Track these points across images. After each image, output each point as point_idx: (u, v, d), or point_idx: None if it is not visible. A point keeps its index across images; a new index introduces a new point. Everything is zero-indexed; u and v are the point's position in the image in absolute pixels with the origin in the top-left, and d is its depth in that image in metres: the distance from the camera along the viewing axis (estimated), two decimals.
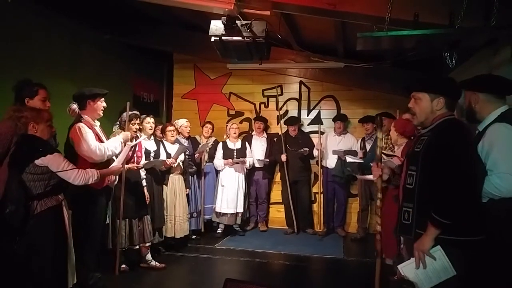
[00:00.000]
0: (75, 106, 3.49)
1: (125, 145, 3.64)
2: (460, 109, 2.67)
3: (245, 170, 5.78)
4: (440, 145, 2.04)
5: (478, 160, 2.14)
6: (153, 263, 4.26)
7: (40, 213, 2.59)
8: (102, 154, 3.30)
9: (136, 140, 4.07)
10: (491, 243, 2.03)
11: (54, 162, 2.62)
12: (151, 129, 4.50)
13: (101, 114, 3.53)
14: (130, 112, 4.01)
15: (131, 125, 4.01)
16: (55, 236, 2.66)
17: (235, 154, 5.65)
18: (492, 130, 2.19)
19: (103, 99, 3.50)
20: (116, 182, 3.60)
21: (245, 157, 5.68)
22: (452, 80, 2.34)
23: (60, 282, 2.73)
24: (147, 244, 4.21)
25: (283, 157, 5.76)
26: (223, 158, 5.63)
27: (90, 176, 2.83)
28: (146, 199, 4.23)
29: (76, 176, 2.73)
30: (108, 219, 3.95)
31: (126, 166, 3.90)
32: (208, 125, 5.80)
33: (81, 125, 3.31)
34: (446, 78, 2.64)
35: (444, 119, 2.14)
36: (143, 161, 4.24)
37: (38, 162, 2.57)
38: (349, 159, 5.28)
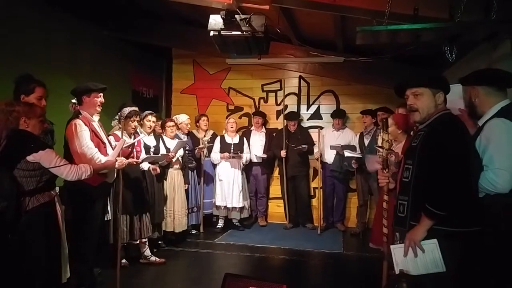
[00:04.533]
0: (74, 101, 3.47)
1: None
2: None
3: (241, 165, 5.79)
4: (436, 139, 2.07)
5: (476, 155, 2.15)
6: (153, 258, 4.28)
7: (32, 209, 2.57)
8: (91, 159, 3.20)
9: (135, 138, 4.04)
10: (486, 238, 2.05)
11: (46, 158, 2.59)
12: (150, 128, 4.50)
13: (98, 110, 3.45)
14: (129, 109, 4.00)
15: (130, 122, 3.99)
16: (47, 232, 2.64)
17: (232, 148, 5.65)
18: (490, 126, 2.19)
19: (101, 94, 3.42)
20: (115, 177, 3.58)
21: (242, 152, 5.68)
22: (443, 76, 2.37)
23: (54, 278, 2.71)
24: (143, 240, 4.22)
25: (283, 153, 5.76)
26: (220, 152, 5.63)
27: (83, 171, 2.79)
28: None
29: (69, 172, 2.70)
30: (108, 215, 3.95)
31: (126, 161, 3.88)
32: (204, 118, 5.80)
33: (78, 121, 3.25)
34: (438, 74, 2.67)
35: (440, 113, 2.18)
36: (143, 155, 4.23)
37: (29, 158, 2.54)
38: (347, 154, 5.29)
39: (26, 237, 2.56)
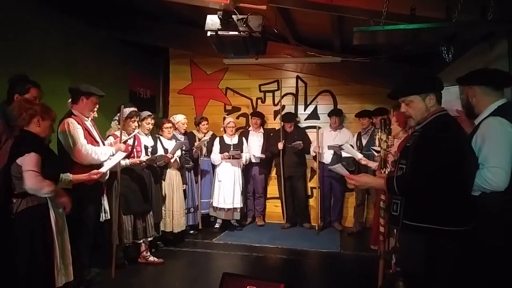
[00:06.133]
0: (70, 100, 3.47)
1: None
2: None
3: (242, 165, 5.79)
4: (427, 139, 2.10)
5: (472, 154, 2.16)
6: (151, 258, 4.27)
7: (20, 212, 2.57)
8: (87, 155, 3.22)
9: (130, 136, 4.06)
10: (483, 236, 2.07)
11: (26, 161, 2.54)
12: (149, 130, 4.51)
13: (91, 114, 3.46)
14: (129, 109, 4.00)
15: (130, 122, 4.00)
16: (35, 235, 2.60)
17: (231, 149, 5.64)
18: (485, 124, 2.21)
19: (97, 100, 3.44)
20: (107, 177, 3.58)
21: (242, 152, 5.68)
22: (432, 75, 2.38)
23: (43, 281, 2.64)
24: (149, 239, 4.25)
25: (280, 145, 5.76)
26: (220, 153, 5.63)
27: (42, 187, 2.56)
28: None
29: (31, 180, 2.51)
30: (105, 215, 3.93)
31: (129, 161, 3.94)
32: (205, 122, 5.80)
33: (70, 120, 3.26)
34: (426, 75, 2.69)
35: (436, 115, 2.19)
36: (143, 155, 4.23)
37: (18, 161, 2.55)
38: (344, 154, 5.29)
39: (13, 239, 2.56)
